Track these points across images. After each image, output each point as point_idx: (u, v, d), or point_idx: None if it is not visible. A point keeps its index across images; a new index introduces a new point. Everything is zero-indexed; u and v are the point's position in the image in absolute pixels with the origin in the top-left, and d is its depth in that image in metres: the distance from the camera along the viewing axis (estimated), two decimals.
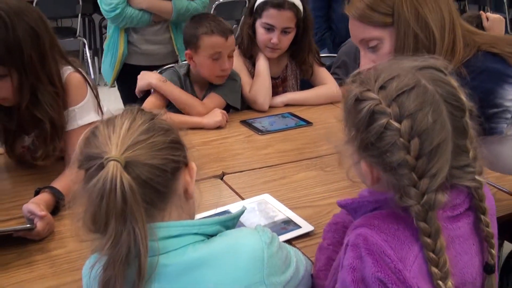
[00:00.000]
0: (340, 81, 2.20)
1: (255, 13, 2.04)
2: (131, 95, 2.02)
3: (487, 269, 0.93)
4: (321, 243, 1.09)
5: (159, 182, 0.82)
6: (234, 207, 1.35)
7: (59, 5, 4.22)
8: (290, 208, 1.34)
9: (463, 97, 0.83)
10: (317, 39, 2.30)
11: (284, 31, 2.02)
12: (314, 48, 2.17)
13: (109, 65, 2.52)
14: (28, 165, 1.55)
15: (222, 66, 1.89)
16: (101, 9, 2.40)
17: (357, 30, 1.21)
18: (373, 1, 1.16)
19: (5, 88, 1.27)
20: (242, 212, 0.96)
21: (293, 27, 2.04)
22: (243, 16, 2.18)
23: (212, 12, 5.14)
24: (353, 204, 0.93)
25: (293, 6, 2.00)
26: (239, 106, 2.04)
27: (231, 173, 1.56)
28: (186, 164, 0.89)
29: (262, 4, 2.00)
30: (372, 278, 0.81)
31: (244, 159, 1.67)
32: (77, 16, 4.50)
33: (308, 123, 1.96)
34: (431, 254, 0.82)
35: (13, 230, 1.15)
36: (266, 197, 1.40)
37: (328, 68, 2.26)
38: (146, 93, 2.00)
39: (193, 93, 2.00)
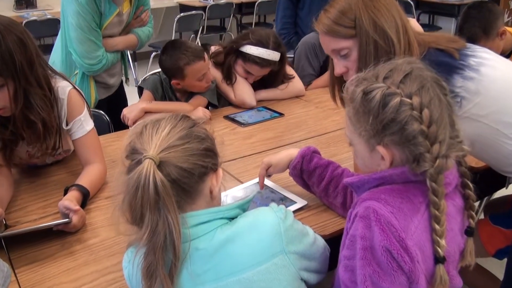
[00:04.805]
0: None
1: (239, 53, 2.10)
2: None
3: (469, 232, 1.00)
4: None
5: (185, 182, 0.87)
6: (239, 188, 1.44)
7: (43, 26, 4.65)
8: (282, 187, 1.44)
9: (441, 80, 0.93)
10: (286, 43, 2.41)
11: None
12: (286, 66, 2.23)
13: None
14: (37, 170, 1.57)
15: (207, 80, 2.02)
16: (82, 64, 2.05)
17: (328, 43, 1.27)
18: (337, 17, 1.22)
19: (3, 98, 1.27)
20: (254, 196, 1.00)
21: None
22: (228, 45, 2.16)
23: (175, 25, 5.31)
24: (359, 182, 0.97)
25: (274, 63, 2.10)
26: (217, 103, 2.14)
27: (226, 161, 1.60)
28: (215, 170, 0.94)
29: (248, 55, 2.06)
30: (379, 247, 0.85)
31: (234, 149, 1.74)
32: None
33: (280, 114, 2.08)
34: (436, 212, 0.88)
35: (54, 224, 1.18)
36: None
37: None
38: None
39: (174, 96, 2.09)
